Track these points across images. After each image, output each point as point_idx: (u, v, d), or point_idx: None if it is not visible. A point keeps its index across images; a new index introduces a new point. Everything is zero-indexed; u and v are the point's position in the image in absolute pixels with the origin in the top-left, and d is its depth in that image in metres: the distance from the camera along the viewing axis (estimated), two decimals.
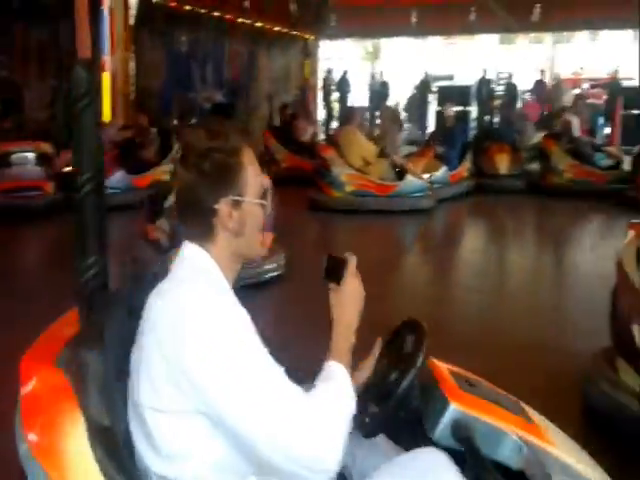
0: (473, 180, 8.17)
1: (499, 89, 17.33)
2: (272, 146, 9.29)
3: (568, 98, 14.75)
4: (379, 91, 16.04)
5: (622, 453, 2.27)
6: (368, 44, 22.49)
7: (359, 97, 16.32)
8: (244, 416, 1.02)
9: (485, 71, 15.23)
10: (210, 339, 1.04)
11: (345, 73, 15.69)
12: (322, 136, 12.20)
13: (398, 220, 6.84)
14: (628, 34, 24.68)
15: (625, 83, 15.14)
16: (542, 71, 15.03)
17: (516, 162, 8.41)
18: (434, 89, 15.77)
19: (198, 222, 1.17)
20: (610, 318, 2.66)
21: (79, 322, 1.31)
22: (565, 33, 22.90)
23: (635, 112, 12.73)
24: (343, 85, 15.38)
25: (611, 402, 2.44)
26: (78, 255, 1.33)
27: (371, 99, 16.07)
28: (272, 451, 1.02)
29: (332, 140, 7.73)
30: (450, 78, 21.65)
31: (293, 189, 7.26)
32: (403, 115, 16.55)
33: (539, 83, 14.59)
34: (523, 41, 25.76)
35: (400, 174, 7.12)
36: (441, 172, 7.74)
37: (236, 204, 1.16)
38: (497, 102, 13.80)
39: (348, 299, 1.23)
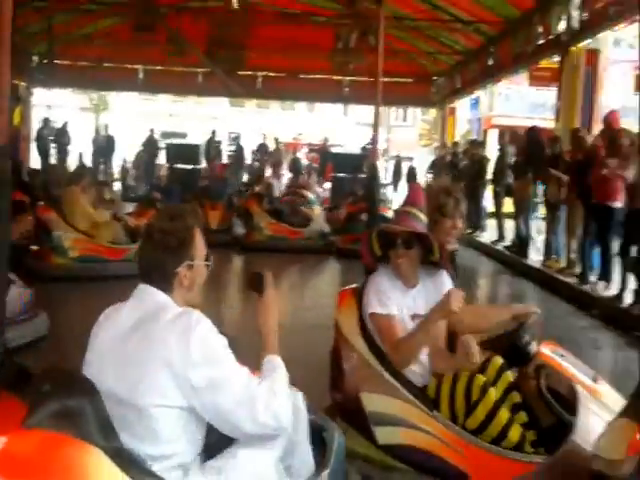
0: None
1: (229, 149, 18.17)
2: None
3: (288, 160, 16.24)
4: (104, 146, 15.28)
5: None
6: (94, 95, 21.44)
7: (83, 151, 15.29)
8: (232, 405, 1.51)
9: (214, 132, 15.80)
10: (211, 357, 1.51)
11: (65, 124, 14.57)
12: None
13: (127, 285, 6.31)
14: (339, 107, 28.74)
15: (335, 150, 17.37)
16: (264, 135, 16.23)
17: (226, 218, 9.03)
18: (163, 146, 15.74)
19: (161, 281, 1.60)
20: (331, 381, 2.63)
21: None
22: (289, 102, 25.39)
23: (342, 175, 14.45)
24: (62, 137, 14.21)
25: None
26: None
27: (95, 154, 15.20)
28: (249, 422, 1.53)
29: (53, 200, 6.90)
30: (183, 136, 21.97)
31: None
32: (132, 172, 16.11)
33: (262, 145, 15.71)
34: (251, 105, 27.71)
35: (133, 236, 6.66)
36: None
37: (190, 267, 1.62)
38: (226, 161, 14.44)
39: (270, 306, 1.74)
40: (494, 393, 2.29)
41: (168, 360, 1.49)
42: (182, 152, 14.38)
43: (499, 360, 2.42)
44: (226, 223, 9.02)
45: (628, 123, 6.59)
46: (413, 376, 2.44)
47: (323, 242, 8.75)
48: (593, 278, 6.43)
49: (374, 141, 6.48)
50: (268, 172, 10.81)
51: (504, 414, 2.25)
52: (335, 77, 13.78)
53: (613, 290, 5.99)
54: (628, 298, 5.64)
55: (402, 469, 2.34)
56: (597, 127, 7.19)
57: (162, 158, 15.25)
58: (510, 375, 2.40)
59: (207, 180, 10.35)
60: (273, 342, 1.71)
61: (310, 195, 12.37)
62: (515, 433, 2.22)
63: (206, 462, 1.62)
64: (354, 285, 2.69)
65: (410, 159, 17.23)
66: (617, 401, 2.37)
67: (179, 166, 13.30)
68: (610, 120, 6.31)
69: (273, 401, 1.55)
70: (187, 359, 1.49)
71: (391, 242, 2.48)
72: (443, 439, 2.26)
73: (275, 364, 1.67)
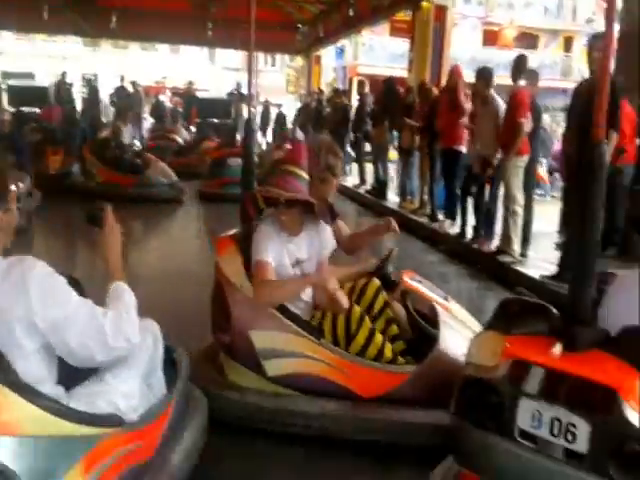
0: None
1: (83, 91, 16.85)
2: None
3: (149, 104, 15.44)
4: None
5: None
6: None
7: None
8: (82, 338, 1.60)
9: (64, 73, 14.51)
10: (51, 298, 1.57)
11: None
12: None
13: None
14: (205, 52, 27.57)
15: (200, 94, 16.79)
16: (122, 77, 15.20)
17: (65, 163, 8.64)
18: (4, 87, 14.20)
19: None
20: (216, 325, 2.70)
21: None
22: (150, 43, 23.79)
23: (207, 120, 14.00)
24: None
25: (232, 404, 2.53)
26: None
27: None
28: (102, 351, 1.64)
29: None
30: (31, 76, 19.93)
31: None
32: None
33: (120, 89, 14.72)
34: (108, 46, 25.68)
35: None
36: None
37: (7, 211, 1.65)
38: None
39: (111, 236, 1.84)
40: (369, 321, 2.58)
41: (13, 314, 1.52)
42: (28, 94, 13.07)
43: (377, 282, 2.77)
44: (65, 168, 8.56)
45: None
46: (298, 310, 2.62)
47: (171, 190, 8.40)
48: (441, 217, 7.09)
49: (249, 87, 6.39)
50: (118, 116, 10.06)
51: (378, 338, 2.56)
52: (198, 20, 13.18)
53: (457, 228, 6.66)
54: (469, 234, 6.31)
55: (293, 395, 2.52)
56: (445, 79, 7.73)
57: (4, 101, 13.79)
58: (385, 295, 2.76)
59: (54, 124, 9.51)
60: (119, 269, 1.82)
61: (180, 140, 11.96)
62: (388, 351, 2.56)
63: (74, 390, 1.70)
64: (232, 231, 2.77)
65: (279, 105, 17.17)
66: (465, 315, 2.86)
67: (25, 110, 12.11)
68: (454, 72, 6.82)
69: (121, 324, 1.66)
70: (29, 307, 1.52)
71: (273, 201, 2.59)
72: (330, 363, 2.49)
73: (121, 289, 1.78)
